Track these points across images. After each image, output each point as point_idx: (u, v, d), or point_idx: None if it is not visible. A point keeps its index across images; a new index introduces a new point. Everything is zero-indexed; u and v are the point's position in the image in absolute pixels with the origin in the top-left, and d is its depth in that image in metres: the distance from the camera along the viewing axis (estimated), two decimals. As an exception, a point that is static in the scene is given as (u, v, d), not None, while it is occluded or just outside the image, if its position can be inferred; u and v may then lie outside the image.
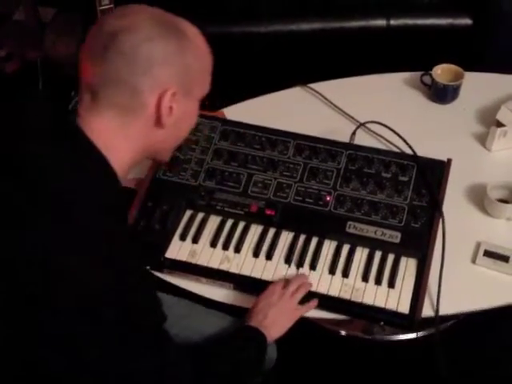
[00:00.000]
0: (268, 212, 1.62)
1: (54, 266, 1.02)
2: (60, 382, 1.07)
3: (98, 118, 1.14)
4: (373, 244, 1.57)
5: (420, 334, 1.55)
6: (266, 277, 1.54)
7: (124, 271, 1.07)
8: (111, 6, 2.08)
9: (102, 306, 1.03)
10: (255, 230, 1.62)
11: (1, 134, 1.18)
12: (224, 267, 1.56)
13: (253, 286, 1.53)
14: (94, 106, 1.14)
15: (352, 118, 1.88)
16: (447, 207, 1.61)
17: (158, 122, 1.16)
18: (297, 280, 1.50)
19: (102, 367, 1.06)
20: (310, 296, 1.50)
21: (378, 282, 1.51)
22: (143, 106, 1.14)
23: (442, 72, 1.93)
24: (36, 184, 1.07)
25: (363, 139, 1.80)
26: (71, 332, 1.03)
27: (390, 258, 1.56)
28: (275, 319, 1.43)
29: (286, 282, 1.50)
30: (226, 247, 1.59)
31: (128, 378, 1.09)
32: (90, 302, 1.02)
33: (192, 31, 1.20)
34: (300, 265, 1.55)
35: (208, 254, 1.58)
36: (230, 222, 1.63)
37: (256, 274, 1.55)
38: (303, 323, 1.48)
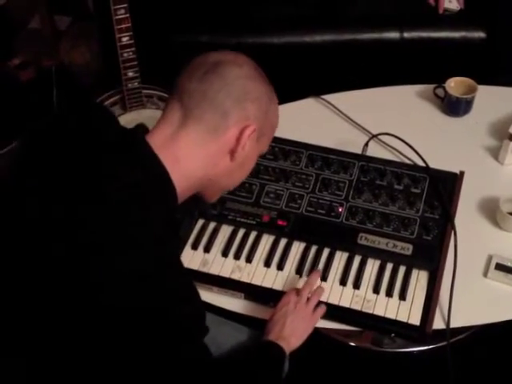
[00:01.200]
0: (280, 222, 1.62)
1: (112, 278, 1.06)
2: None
3: (185, 133, 1.20)
4: (384, 256, 1.57)
5: (430, 346, 1.55)
6: (277, 287, 1.54)
7: (175, 286, 1.13)
8: (127, 15, 2.10)
9: (152, 315, 1.08)
10: (267, 240, 1.62)
11: (69, 138, 1.22)
12: (235, 276, 1.56)
13: (264, 296, 1.53)
14: (185, 120, 1.20)
15: (364, 129, 1.88)
16: (459, 220, 1.61)
17: (232, 152, 1.24)
18: (308, 286, 1.50)
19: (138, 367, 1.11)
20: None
21: (389, 293, 1.51)
22: (226, 131, 1.21)
23: (455, 85, 1.93)
24: (97, 192, 1.11)
25: (375, 151, 1.80)
26: (114, 333, 1.08)
27: (402, 269, 1.56)
28: (293, 328, 1.43)
29: (299, 290, 1.50)
30: (237, 257, 1.59)
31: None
32: (137, 312, 1.07)
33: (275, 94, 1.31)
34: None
35: (219, 263, 1.58)
36: (241, 232, 1.63)
37: (267, 284, 1.55)
38: (313, 334, 1.48)
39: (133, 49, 2.18)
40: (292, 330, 1.43)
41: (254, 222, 1.62)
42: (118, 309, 1.06)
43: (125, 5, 2.09)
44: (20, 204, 1.16)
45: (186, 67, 1.25)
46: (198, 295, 1.20)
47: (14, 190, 1.19)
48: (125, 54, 2.18)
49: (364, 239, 1.58)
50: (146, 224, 1.11)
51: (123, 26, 2.12)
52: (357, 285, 1.53)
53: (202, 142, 1.21)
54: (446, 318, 1.49)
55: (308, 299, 1.48)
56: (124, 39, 2.15)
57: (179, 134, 1.20)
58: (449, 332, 1.48)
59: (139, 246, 1.08)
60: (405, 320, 1.48)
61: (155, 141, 1.19)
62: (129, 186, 1.12)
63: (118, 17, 2.10)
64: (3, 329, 1.15)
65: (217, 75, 1.21)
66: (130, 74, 2.24)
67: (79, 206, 1.10)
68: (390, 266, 1.56)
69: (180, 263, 1.20)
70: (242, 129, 1.22)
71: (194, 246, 1.60)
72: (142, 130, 1.24)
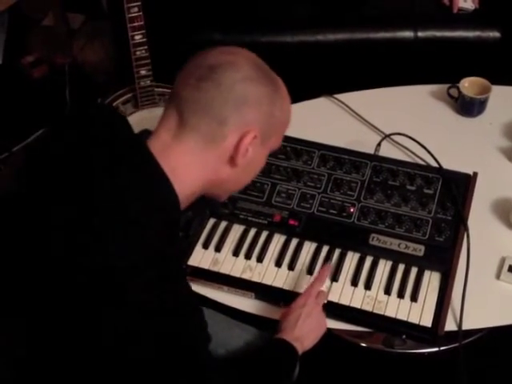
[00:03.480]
0: (291, 222, 1.61)
1: (116, 285, 1.04)
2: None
3: (181, 142, 1.16)
4: (396, 257, 1.56)
5: (442, 348, 1.54)
6: (288, 287, 1.54)
7: (174, 296, 1.10)
8: (140, 13, 2.10)
9: (149, 326, 1.06)
10: (278, 240, 1.62)
11: (66, 144, 1.19)
12: (246, 276, 1.56)
13: (274, 296, 1.53)
14: (180, 129, 1.17)
15: (377, 129, 1.87)
16: (472, 221, 1.60)
17: (232, 159, 1.19)
18: (317, 284, 1.50)
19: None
20: (332, 307, 1.50)
21: (401, 295, 1.51)
22: (224, 138, 1.17)
23: (469, 85, 1.92)
24: (98, 201, 1.09)
25: (388, 151, 1.79)
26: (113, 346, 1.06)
27: (414, 271, 1.55)
28: (308, 330, 1.43)
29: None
30: (248, 256, 1.59)
31: None
32: (139, 321, 1.05)
33: (283, 84, 1.25)
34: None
35: (230, 262, 1.58)
36: (252, 231, 1.63)
37: (278, 284, 1.55)
38: (324, 334, 1.48)
39: (145, 47, 2.18)
40: (307, 332, 1.43)
41: (266, 222, 1.62)
42: (127, 319, 1.05)
43: (138, 3, 2.09)
44: (27, 213, 1.14)
45: (183, 68, 1.20)
46: (198, 304, 1.20)
47: (19, 201, 1.18)
48: (137, 52, 2.19)
49: (376, 240, 1.57)
50: (148, 238, 1.08)
51: (136, 24, 2.12)
52: (368, 286, 1.53)
53: (199, 152, 1.17)
54: (458, 319, 1.48)
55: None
56: (137, 37, 2.15)
57: (175, 143, 1.16)
58: (461, 334, 1.47)
59: (143, 259, 1.06)
60: (416, 322, 1.47)
61: (155, 148, 1.16)
62: (132, 198, 1.10)
63: (130, 15, 2.10)
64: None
65: (212, 82, 1.15)
66: (143, 72, 2.24)
67: (83, 218, 1.08)
68: (401, 267, 1.55)
69: (183, 274, 1.18)
70: (241, 136, 1.17)
71: (205, 245, 1.60)
72: (146, 136, 1.20)
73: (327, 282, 1.54)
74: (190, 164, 1.17)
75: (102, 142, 1.17)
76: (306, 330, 1.43)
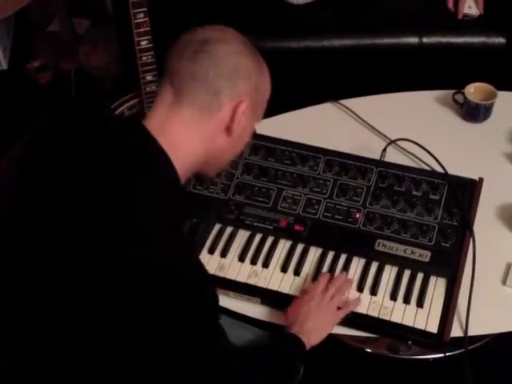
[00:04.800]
0: (297, 227, 1.61)
1: (119, 264, 1.06)
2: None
3: (178, 114, 1.20)
4: (402, 262, 1.56)
5: (448, 354, 1.54)
6: (294, 292, 1.54)
7: (186, 271, 1.12)
8: (146, 19, 2.10)
9: (166, 300, 1.07)
10: (284, 246, 1.62)
11: (60, 133, 1.22)
12: (252, 282, 1.56)
13: (280, 301, 1.53)
14: (176, 101, 1.20)
15: (383, 135, 1.88)
16: (478, 227, 1.60)
17: (228, 128, 1.23)
18: (336, 282, 1.51)
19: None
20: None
21: (407, 300, 1.50)
22: (220, 108, 1.21)
23: (474, 91, 1.92)
24: (98, 183, 1.11)
25: (394, 156, 1.79)
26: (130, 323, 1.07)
27: (419, 276, 1.55)
28: (315, 325, 1.44)
29: (326, 283, 1.51)
30: (254, 262, 1.59)
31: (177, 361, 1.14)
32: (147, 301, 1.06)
33: (264, 62, 1.30)
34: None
35: (236, 267, 1.58)
36: (258, 237, 1.63)
37: (283, 290, 1.55)
38: (328, 340, 1.48)
39: (151, 52, 2.18)
40: (314, 327, 1.44)
41: (271, 227, 1.62)
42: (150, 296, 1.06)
43: (144, 9, 2.09)
44: (28, 208, 1.16)
45: (174, 46, 1.24)
46: (210, 279, 1.22)
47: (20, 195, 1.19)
48: (143, 58, 2.19)
49: (381, 245, 1.57)
50: (154, 214, 1.10)
51: (142, 29, 2.12)
52: (374, 291, 1.53)
53: (196, 123, 1.20)
54: (464, 325, 1.48)
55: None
56: (143, 43, 2.16)
57: (173, 117, 1.20)
58: (466, 340, 1.47)
59: (151, 239, 1.08)
60: (422, 327, 1.47)
61: (152, 125, 1.19)
62: (133, 176, 1.12)
63: (136, 20, 2.11)
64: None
65: (206, 54, 1.20)
66: (149, 78, 2.25)
67: (86, 203, 1.10)
68: (407, 273, 1.55)
69: (192, 247, 1.22)
70: (235, 106, 1.22)
71: (211, 251, 1.60)
72: (141, 116, 1.23)
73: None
74: (189, 137, 1.20)
75: (99, 129, 1.20)
76: (313, 324, 1.44)
